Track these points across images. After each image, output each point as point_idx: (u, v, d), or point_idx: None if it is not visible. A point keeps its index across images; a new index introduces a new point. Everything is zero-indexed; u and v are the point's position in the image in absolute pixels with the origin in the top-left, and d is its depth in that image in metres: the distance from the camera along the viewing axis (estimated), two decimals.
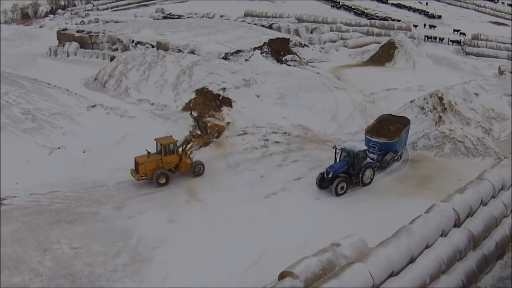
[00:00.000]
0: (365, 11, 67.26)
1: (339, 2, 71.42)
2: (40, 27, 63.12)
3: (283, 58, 36.96)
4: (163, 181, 18.16)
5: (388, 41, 40.48)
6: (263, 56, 35.32)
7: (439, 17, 66.62)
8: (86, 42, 40.95)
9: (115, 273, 13.31)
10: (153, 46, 36.15)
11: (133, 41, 38.13)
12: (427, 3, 75.61)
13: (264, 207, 16.68)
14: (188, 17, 58.29)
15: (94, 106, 24.64)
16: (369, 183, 18.23)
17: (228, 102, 26.16)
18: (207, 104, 25.92)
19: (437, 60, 41.43)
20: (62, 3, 78.16)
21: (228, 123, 24.31)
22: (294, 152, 21.31)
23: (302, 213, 16.16)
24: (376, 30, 51.46)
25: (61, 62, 39.19)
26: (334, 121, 25.48)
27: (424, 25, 59.77)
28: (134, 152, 20.28)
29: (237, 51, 34.08)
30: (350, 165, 17.81)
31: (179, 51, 33.58)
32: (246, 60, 33.75)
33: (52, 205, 16.74)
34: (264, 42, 36.73)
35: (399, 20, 59.29)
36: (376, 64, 38.26)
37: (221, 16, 60.12)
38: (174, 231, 15.15)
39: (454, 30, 56.23)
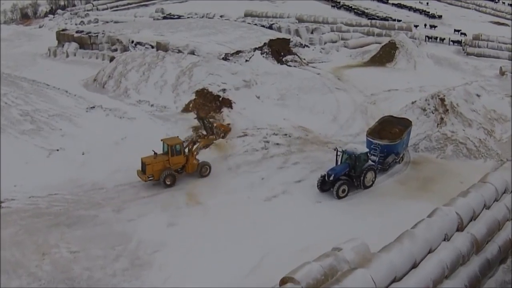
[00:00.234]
0: (366, 11, 67.08)
1: (339, 2, 71.24)
2: (40, 27, 62.96)
3: (283, 59, 36.81)
4: (170, 181, 18.08)
5: (389, 41, 40.31)
6: (263, 56, 35.17)
7: (440, 17, 66.47)
8: (85, 42, 40.78)
9: (115, 277, 13.16)
10: (152, 47, 35.96)
11: (132, 42, 37.96)
12: (427, 3, 75.45)
13: (265, 210, 16.53)
14: (188, 17, 58.12)
15: (93, 107, 24.48)
16: (371, 185, 18.08)
17: (228, 103, 26.03)
18: (207, 105, 25.79)
19: (438, 61, 41.28)
20: (62, 3, 77.95)
21: (228, 124, 24.16)
22: (294, 154, 21.16)
23: (303, 216, 16.01)
24: (376, 30, 51.28)
25: (61, 62, 39.03)
26: (335, 123, 25.34)
27: (425, 25, 59.61)
28: (133, 154, 20.15)
29: (237, 52, 33.93)
30: (352, 167, 17.66)
31: (179, 51, 33.40)
32: (246, 60, 33.59)
33: (51, 208, 16.61)
34: (264, 43, 36.57)
35: (400, 20, 59.12)
36: (377, 64, 38.10)
37: (221, 16, 59.95)
38: (174, 235, 15.00)
39: (455, 30, 56.08)
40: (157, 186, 18.21)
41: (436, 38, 51.57)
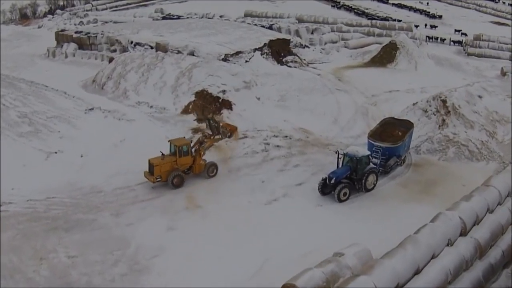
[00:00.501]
0: (366, 11, 66.92)
1: (339, 2, 71.07)
2: (39, 27, 62.77)
3: (283, 59, 36.62)
4: (178, 182, 17.96)
5: (390, 41, 40.12)
6: (263, 57, 34.96)
7: (440, 17, 66.34)
8: (84, 43, 40.59)
9: (113, 283, 12.98)
10: (152, 47, 35.79)
11: (131, 42, 37.75)
12: (427, 3, 75.30)
13: (266, 213, 16.34)
14: (188, 18, 57.92)
15: (92, 109, 24.28)
16: (372, 188, 17.90)
17: (228, 105, 25.82)
18: (207, 107, 25.58)
19: (439, 61, 41.12)
20: (61, 3, 77.70)
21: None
22: (295, 156, 20.97)
23: (304, 220, 15.82)
24: (377, 31, 51.12)
25: (59, 63, 38.86)
26: (336, 124, 25.15)
27: (425, 25, 59.45)
28: (132, 157, 20.06)
29: (237, 52, 33.71)
30: (353, 170, 17.48)
31: (178, 52, 33.20)
32: (246, 61, 33.39)
33: (49, 211, 16.41)
34: (265, 43, 36.36)
35: (400, 20, 58.95)
36: (378, 65, 37.92)
37: (220, 16, 59.76)
38: (174, 239, 14.81)
39: (455, 30, 55.93)
40: (156, 190, 18.03)
41: (436, 38, 51.42)
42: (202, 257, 13.91)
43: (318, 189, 17.45)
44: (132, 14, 66.94)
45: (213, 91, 26.41)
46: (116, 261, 13.81)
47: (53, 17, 69.38)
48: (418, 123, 22.52)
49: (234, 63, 31.92)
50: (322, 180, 17.42)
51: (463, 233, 13.02)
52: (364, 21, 57.80)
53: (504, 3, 74.57)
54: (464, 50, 47.29)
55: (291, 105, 27.42)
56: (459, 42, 49.62)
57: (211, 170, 18.84)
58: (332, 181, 17.02)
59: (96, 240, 14.74)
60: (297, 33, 45.53)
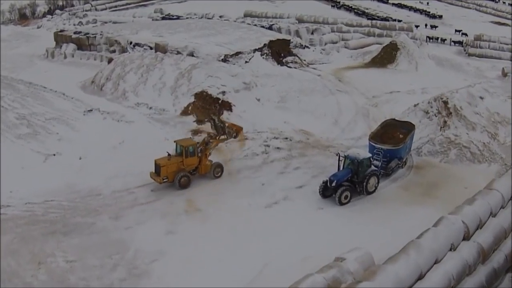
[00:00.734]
0: (366, 11, 66.75)
1: (339, 2, 70.89)
2: (38, 27, 62.48)
3: (283, 60, 36.44)
4: (185, 183, 17.91)
5: (390, 42, 39.95)
6: (263, 58, 34.78)
7: (440, 17, 66.18)
8: (83, 43, 40.35)
9: None
10: (151, 48, 35.59)
11: (131, 43, 37.54)
12: (428, 3, 75.15)
13: (266, 217, 16.17)
14: (187, 18, 57.72)
15: (91, 110, 24.11)
16: (374, 191, 17.75)
17: (228, 106, 25.64)
18: (206, 108, 25.40)
19: (440, 62, 40.96)
20: (60, 3, 77.41)
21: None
22: (296, 158, 20.81)
23: (305, 224, 15.67)
24: (377, 31, 50.94)
25: (58, 64, 38.61)
26: (337, 126, 24.99)
27: (426, 25, 59.29)
28: (131, 159, 19.93)
29: (237, 53, 33.54)
30: (354, 173, 17.31)
31: (178, 53, 33.03)
32: (246, 62, 33.21)
33: (47, 215, 16.26)
34: (264, 44, 36.17)
35: (400, 21, 58.79)
36: (378, 66, 37.75)
37: (220, 16, 59.53)
38: (173, 243, 14.66)
39: (456, 31, 55.78)
40: (155, 192, 17.87)
41: (437, 38, 51.25)
42: (201, 261, 13.76)
43: (319, 192, 17.30)
44: (132, 14, 66.68)
45: (213, 92, 26.23)
46: (115, 266, 13.66)
47: (52, 17, 69.12)
48: (419, 125, 22.35)
49: (234, 64, 31.74)
50: (323, 183, 17.26)
51: (466, 237, 12.89)
52: (364, 21, 57.61)
53: (504, 3, 74.43)
54: (465, 50, 47.14)
55: (291, 106, 27.26)
56: (460, 43, 49.46)
57: (217, 171, 18.82)
58: (333, 184, 16.86)
59: (95, 244, 14.58)
60: (297, 33, 45.34)
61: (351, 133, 24.09)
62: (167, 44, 34.66)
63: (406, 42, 39.67)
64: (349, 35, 48.83)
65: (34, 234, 15.07)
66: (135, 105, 26.45)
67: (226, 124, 20.26)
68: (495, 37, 48.34)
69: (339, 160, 17.75)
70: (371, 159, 17.84)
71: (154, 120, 24.61)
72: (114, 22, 58.01)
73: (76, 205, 16.86)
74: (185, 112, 25.44)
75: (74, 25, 58.82)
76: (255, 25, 48.69)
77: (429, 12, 68.31)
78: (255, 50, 34.74)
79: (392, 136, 19.90)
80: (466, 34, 52.69)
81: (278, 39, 38.12)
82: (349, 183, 17.23)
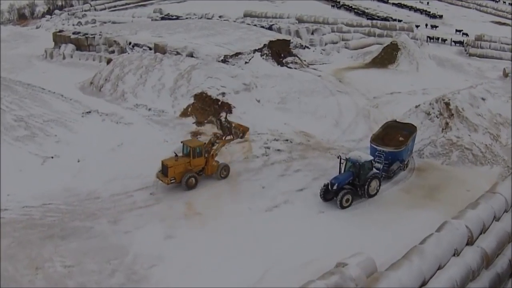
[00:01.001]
0: (366, 11, 66.56)
1: (339, 2, 70.70)
2: (37, 28, 62.21)
3: (283, 61, 36.25)
4: (193, 184, 17.81)
5: (391, 42, 39.75)
6: (263, 58, 34.61)
7: (441, 17, 66.02)
8: (82, 44, 40.17)
9: None
10: (150, 49, 35.41)
11: (130, 43, 37.37)
12: (428, 3, 75.00)
13: (266, 221, 15.94)
14: (187, 18, 57.52)
15: (89, 112, 23.94)
16: (375, 194, 17.53)
17: (227, 107, 25.42)
18: (206, 109, 25.18)
19: (441, 62, 40.75)
20: (59, 3, 77.13)
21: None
22: (296, 160, 20.60)
23: (306, 228, 15.46)
24: (377, 31, 50.75)
25: (57, 64, 38.42)
26: (337, 127, 24.75)
27: (426, 25, 59.10)
28: (130, 161, 19.76)
29: (237, 54, 33.37)
30: (356, 176, 17.10)
31: (177, 53, 32.84)
32: (246, 62, 33.03)
33: (45, 218, 16.06)
34: (264, 44, 36.01)
35: (401, 20, 58.62)
36: (379, 66, 37.54)
37: (220, 16, 59.31)
38: (172, 248, 14.44)
39: (456, 30, 55.59)
40: (154, 196, 17.66)
41: (437, 38, 51.03)
42: (201, 266, 13.57)
43: (320, 195, 17.09)
44: (131, 14, 66.42)
45: (213, 94, 26.01)
46: (113, 271, 13.45)
47: (51, 18, 68.82)
48: (421, 126, 22.14)
49: (234, 65, 31.56)
50: (324, 186, 17.05)
51: (470, 242, 12.70)
52: (365, 21, 57.41)
53: (504, 2, 74.29)
54: (466, 50, 46.93)
55: (291, 107, 27.04)
56: (460, 43, 49.25)
57: (223, 171, 18.71)
58: (334, 187, 16.65)
59: (93, 249, 14.38)
60: (297, 33, 45.12)
61: (352, 135, 23.87)
62: (166, 44, 34.48)
63: (406, 42, 39.47)
64: (350, 35, 48.63)
65: (32, 238, 14.87)
66: (134, 106, 26.25)
67: (233, 124, 20.06)
68: (496, 37, 48.14)
69: (340, 163, 17.55)
70: (372, 161, 17.64)
71: (153, 122, 24.41)
72: (113, 22, 57.84)
73: (74, 209, 16.66)
74: (184, 114, 25.23)
75: (73, 25, 58.62)
76: (255, 25, 48.48)
77: (430, 12, 68.14)
78: (255, 51, 34.56)
79: (394, 138, 19.68)
80: (466, 34, 52.50)
81: (278, 40, 37.95)
82: (350, 186, 17.02)
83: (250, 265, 13.44)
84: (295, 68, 35.41)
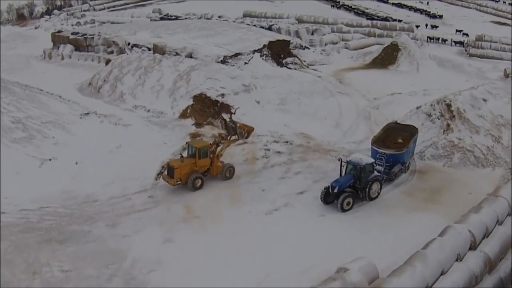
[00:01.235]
0: (366, 11, 66.36)
1: (339, 2, 70.50)
2: (36, 28, 61.95)
3: (283, 61, 36.03)
4: (199, 184, 17.72)
5: (391, 43, 39.55)
6: (263, 59, 34.38)
7: (441, 17, 65.82)
8: (81, 44, 39.94)
9: None
10: (149, 49, 35.16)
11: (129, 44, 37.13)
12: (428, 3, 74.82)
13: (266, 224, 15.76)
14: (186, 18, 57.29)
15: (88, 113, 23.74)
16: (376, 197, 17.36)
17: (227, 108, 25.19)
18: (205, 111, 24.96)
19: (441, 62, 40.55)
20: (58, 3, 76.88)
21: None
22: (296, 163, 20.40)
23: (306, 232, 15.28)
24: (378, 31, 50.55)
25: (56, 65, 38.18)
26: (338, 129, 24.53)
27: (426, 25, 58.90)
28: (128, 164, 19.54)
29: (236, 54, 33.14)
30: (357, 179, 16.91)
31: (176, 54, 32.63)
32: (246, 63, 32.81)
33: (42, 222, 15.88)
34: (264, 45, 35.77)
35: (401, 21, 58.43)
36: (379, 66, 37.34)
37: (219, 17, 59.08)
38: (171, 252, 14.27)
39: (456, 31, 55.39)
40: (153, 199, 17.46)
41: (438, 39, 50.82)
42: (200, 271, 13.39)
43: (321, 198, 16.91)
44: (130, 14, 66.15)
45: (212, 95, 25.78)
46: (111, 276, 13.28)
47: (50, 18, 68.58)
48: (422, 128, 21.95)
49: (233, 65, 31.33)
50: (324, 189, 16.88)
51: (473, 247, 12.57)
52: (365, 21, 57.20)
53: (504, 2, 74.13)
54: (466, 51, 46.75)
55: (291, 108, 26.82)
56: (461, 43, 49.06)
57: (228, 172, 18.62)
58: (335, 190, 16.47)
59: (91, 253, 14.20)
60: (297, 34, 44.90)
61: (353, 137, 23.66)
62: (165, 45, 34.25)
63: (407, 43, 39.26)
64: (349, 36, 48.41)
65: (29, 242, 14.70)
66: (132, 107, 26.04)
67: (238, 125, 19.89)
68: (496, 37, 47.95)
69: (341, 165, 17.36)
70: (373, 164, 17.45)
71: (152, 124, 24.20)
72: (112, 23, 57.62)
73: (72, 212, 16.48)
74: (183, 115, 25.02)
75: (72, 25, 58.38)
76: (254, 25, 48.26)
77: (430, 12, 67.95)
78: (254, 51, 34.33)
79: (395, 140, 19.50)
80: (467, 34, 52.29)
81: (277, 40, 37.73)
82: (351, 189, 16.85)
83: (250, 270, 13.28)
84: (295, 69, 35.20)
